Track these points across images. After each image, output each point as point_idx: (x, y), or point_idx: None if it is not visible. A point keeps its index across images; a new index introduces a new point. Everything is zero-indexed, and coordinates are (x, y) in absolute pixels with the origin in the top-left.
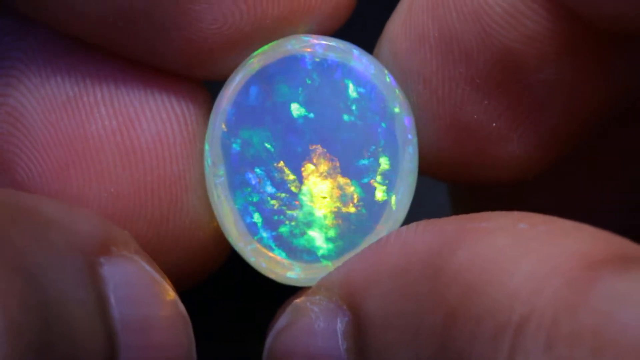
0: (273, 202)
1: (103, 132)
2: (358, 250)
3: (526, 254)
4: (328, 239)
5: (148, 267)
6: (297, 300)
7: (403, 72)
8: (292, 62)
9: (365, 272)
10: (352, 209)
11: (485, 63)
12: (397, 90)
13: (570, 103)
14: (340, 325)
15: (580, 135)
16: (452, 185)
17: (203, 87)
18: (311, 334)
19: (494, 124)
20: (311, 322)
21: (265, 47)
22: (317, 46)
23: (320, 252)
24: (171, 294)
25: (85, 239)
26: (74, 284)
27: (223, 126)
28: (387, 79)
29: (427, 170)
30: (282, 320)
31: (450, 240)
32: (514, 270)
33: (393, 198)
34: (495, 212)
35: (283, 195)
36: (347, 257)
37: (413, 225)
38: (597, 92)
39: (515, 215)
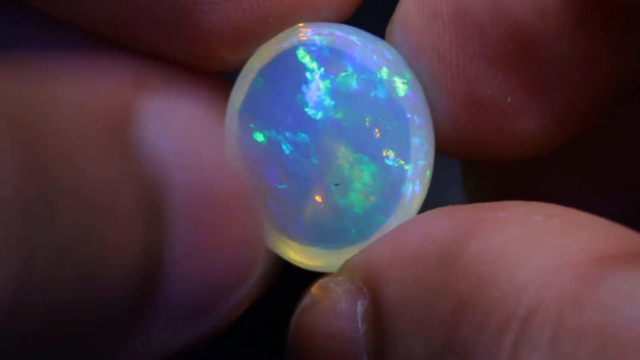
0: (287, 194)
1: None
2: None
3: (537, 247)
4: (350, 225)
5: (196, 101)
6: (321, 280)
7: (417, 49)
8: (288, 58)
9: (386, 257)
10: (370, 198)
11: (499, 37)
12: (404, 72)
13: (586, 76)
14: (360, 308)
15: (596, 108)
16: (465, 170)
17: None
18: (333, 315)
19: (509, 99)
20: (334, 303)
21: (265, 45)
22: (311, 37)
23: (340, 239)
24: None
25: (116, 85)
26: (90, 133)
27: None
28: (392, 58)
29: (442, 148)
30: (307, 300)
31: (466, 230)
32: (523, 263)
33: (407, 187)
34: (514, 202)
35: (298, 186)
36: (370, 241)
37: (434, 211)
38: (613, 66)
39: (533, 206)
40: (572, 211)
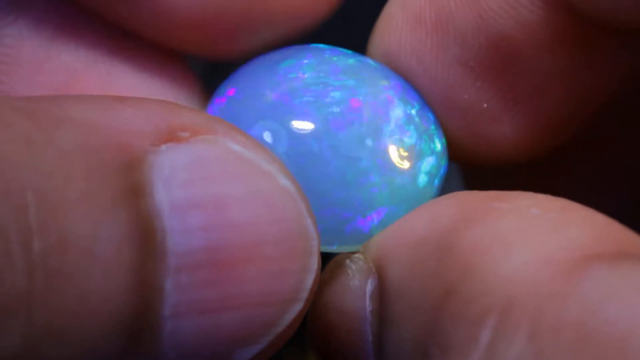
0: None
1: None
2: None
3: (526, 241)
4: None
5: (237, 147)
6: (340, 256)
7: (397, 50)
8: None
9: (394, 238)
10: None
11: (480, 47)
12: None
13: (566, 91)
14: (369, 287)
15: (577, 121)
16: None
17: (194, 73)
18: (346, 292)
19: (485, 105)
20: (348, 279)
21: None
22: None
23: None
24: (268, 169)
25: (128, 131)
26: (81, 180)
27: None
28: None
29: None
30: (325, 274)
31: (467, 218)
32: (510, 256)
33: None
34: (517, 193)
35: None
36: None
37: (447, 196)
38: (594, 82)
39: (535, 198)
40: (570, 206)
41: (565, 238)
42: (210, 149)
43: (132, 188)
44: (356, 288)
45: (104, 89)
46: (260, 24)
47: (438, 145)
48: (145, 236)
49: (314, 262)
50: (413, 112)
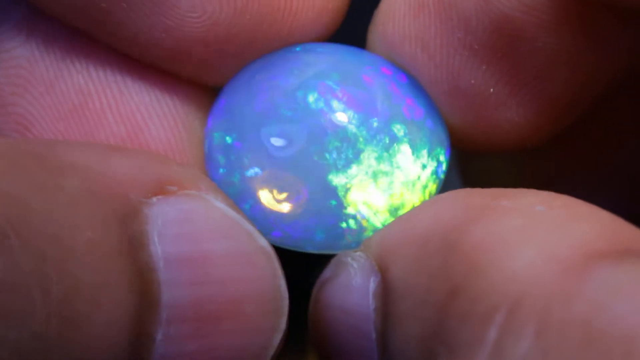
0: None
1: (112, 140)
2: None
3: (532, 238)
4: None
5: (220, 204)
6: (341, 254)
7: (401, 37)
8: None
9: (397, 236)
10: None
11: (484, 30)
12: None
13: (571, 73)
14: (372, 285)
15: (581, 104)
16: (460, 159)
17: (206, 88)
18: (348, 290)
19: (492, 90)
20: (349, 277)
21: None
22: None
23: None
24: (249, 229)
25: (124, 181)
26: (88, 228)
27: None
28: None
29: None
30: (327, 272)
31: (471, 216)
32: (516, 254)
33: None
34: (521, 190)
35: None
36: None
37: (450, 193)
38: (599, 63)
39: (539, 196)
40: (574, 203)
41: (571, 236)
42: (197, 205)
43: (131, 238)
44: (359, 286)
45: (117, 108)
46: (266, 47)
47: (432, 139)
48: (144, 288)
49: (283, 322)
50: (398, 108)
